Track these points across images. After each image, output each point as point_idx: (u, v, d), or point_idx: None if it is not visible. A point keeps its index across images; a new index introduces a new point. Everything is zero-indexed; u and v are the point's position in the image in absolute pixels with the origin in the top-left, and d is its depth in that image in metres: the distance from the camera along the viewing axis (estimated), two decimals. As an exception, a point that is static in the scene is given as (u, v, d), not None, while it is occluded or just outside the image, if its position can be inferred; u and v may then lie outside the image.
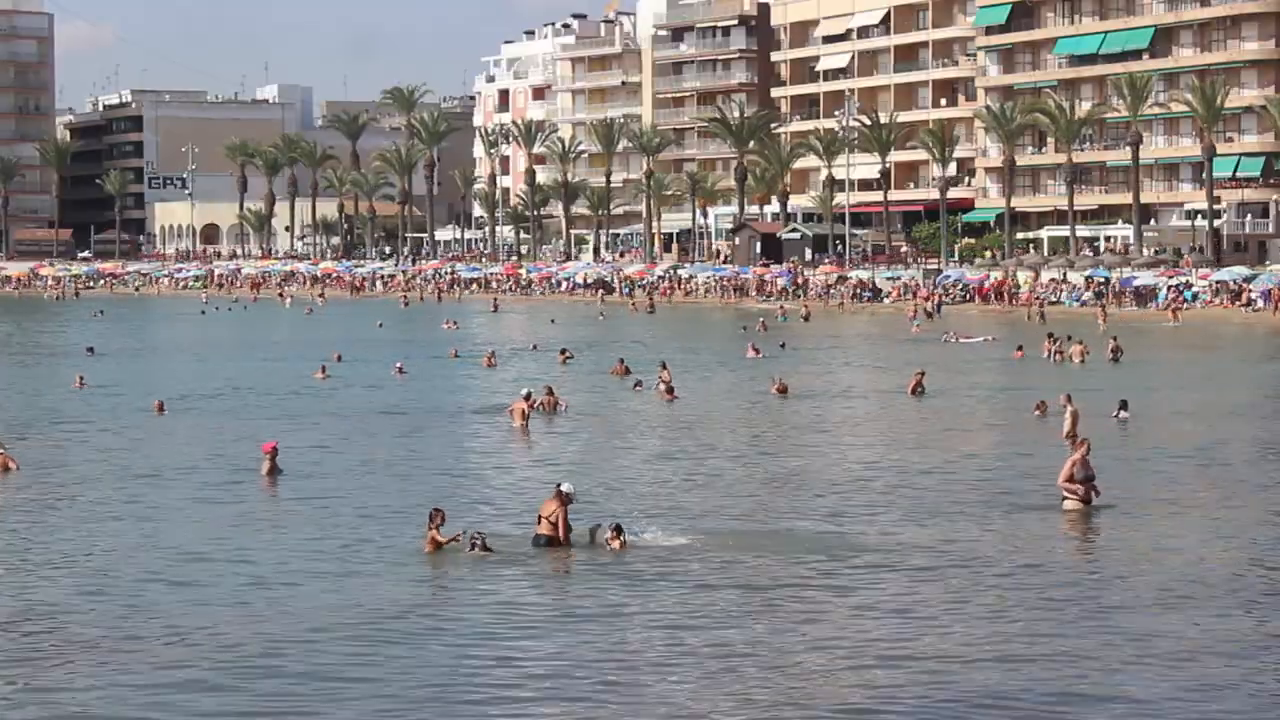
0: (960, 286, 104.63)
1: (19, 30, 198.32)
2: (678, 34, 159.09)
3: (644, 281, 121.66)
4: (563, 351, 62.14)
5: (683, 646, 18.15)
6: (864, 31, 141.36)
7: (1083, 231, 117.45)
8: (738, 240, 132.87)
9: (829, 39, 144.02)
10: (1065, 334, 62.46)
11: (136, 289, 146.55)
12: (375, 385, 51.51)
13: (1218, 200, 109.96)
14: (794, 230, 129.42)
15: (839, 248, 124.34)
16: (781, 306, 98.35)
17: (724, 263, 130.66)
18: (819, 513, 26.86)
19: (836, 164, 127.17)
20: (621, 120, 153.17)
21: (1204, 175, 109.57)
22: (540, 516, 23.55)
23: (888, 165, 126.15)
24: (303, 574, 22.08)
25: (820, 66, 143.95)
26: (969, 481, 30.22)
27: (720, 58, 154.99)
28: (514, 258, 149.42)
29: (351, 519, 26.33)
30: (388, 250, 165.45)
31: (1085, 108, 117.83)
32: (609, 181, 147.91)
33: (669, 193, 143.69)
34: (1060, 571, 22.10)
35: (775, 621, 19.29)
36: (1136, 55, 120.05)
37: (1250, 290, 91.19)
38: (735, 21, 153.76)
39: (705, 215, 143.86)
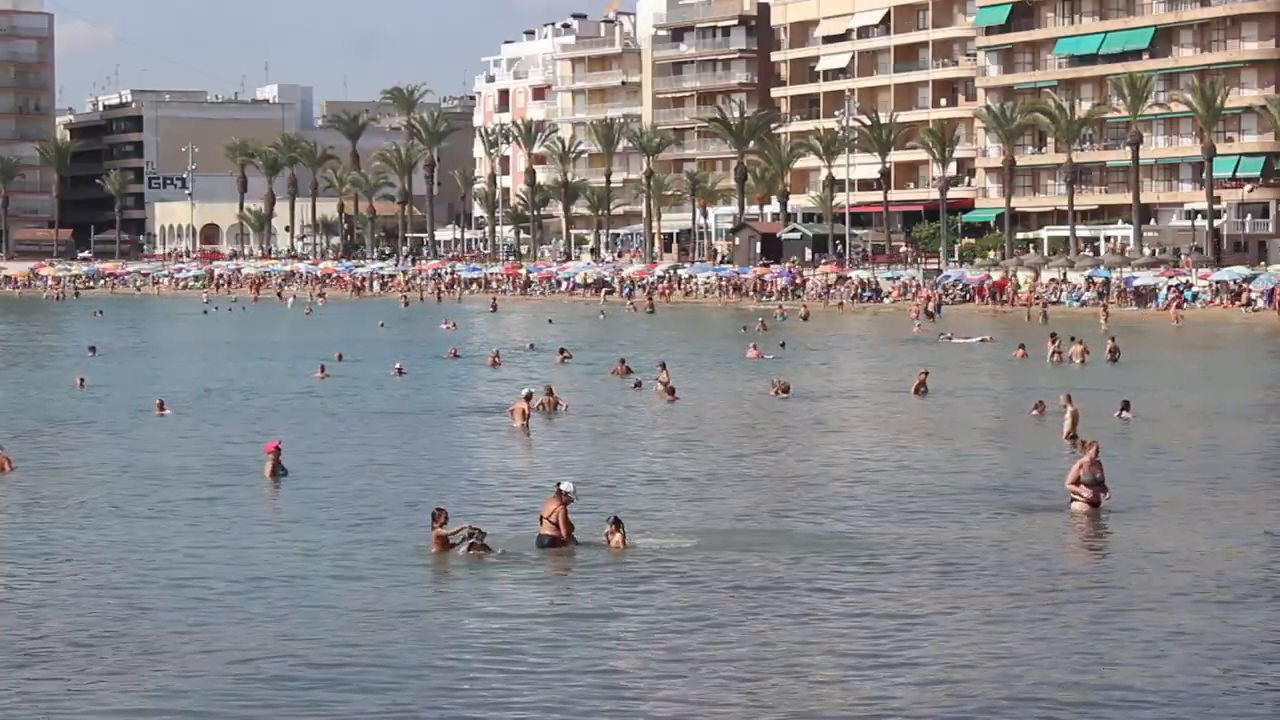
0: (960, 286, 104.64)
1: (19, 30, 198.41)
2: (678, 34, 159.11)
3: (644, 281, 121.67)
4: (561, 351, 62.19)
5: (683, 647, 18.15)
6: (864, 31, 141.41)
7: (1083, 231, 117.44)
8: (738, 240, 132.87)
9: (829, 39, 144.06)
10: (1067, 334, 62.45)
11: (137, 288, 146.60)
12: (376, 385, 51.55)
13: (1218, 200, 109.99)
14: (794, 230, 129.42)
15: (839, 248, 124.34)
16: (780, 306, 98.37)
17: (722, 263, 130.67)
18: (820, 513, 26.84)
19: (836, 164, 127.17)
20: (621, 120, 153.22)
21: (1204, 175, 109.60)
22: (542, 517, 23.59)
23: (888, 165, 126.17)
24: (303, 574, 22.08)
25: (820, 66, 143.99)
26: (969, 481, 30.19)
27: (720, 58, 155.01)
28: (514, 258, 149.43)
29: (353, 519, 26.33)
30: (387, 250, 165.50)
31: (1085, 108, 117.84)
32: (609, 181, 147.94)
33: (669, 193, 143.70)
34: (1061, 572, 22.09)
35: (776, 622, 19.30)
36: (1136, 55, 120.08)
37: (1250, 290, 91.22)
38: (735, 21, 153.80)
39: (705, 215, 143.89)
